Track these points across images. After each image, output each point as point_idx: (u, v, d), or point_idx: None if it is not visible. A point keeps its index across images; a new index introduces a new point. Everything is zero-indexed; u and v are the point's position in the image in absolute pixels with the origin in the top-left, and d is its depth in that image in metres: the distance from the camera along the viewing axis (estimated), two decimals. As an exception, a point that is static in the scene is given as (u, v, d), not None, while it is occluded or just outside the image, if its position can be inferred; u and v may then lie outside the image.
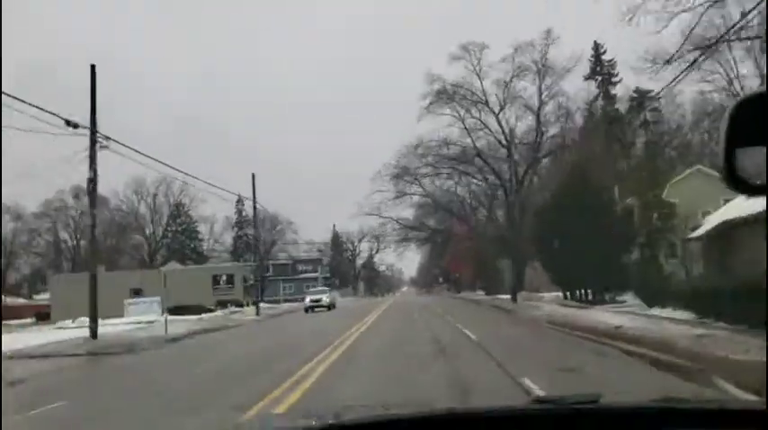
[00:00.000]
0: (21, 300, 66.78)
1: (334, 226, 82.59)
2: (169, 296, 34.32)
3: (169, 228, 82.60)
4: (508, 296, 43.84)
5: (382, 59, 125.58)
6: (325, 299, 41.69)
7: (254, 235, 42.58)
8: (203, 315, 38.01)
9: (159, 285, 49.70)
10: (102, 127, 18.34)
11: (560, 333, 16.11)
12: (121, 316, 39.61)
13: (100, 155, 17.94)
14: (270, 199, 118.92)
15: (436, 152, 39.41)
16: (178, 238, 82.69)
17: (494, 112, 38.40)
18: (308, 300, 42.25)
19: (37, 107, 16.35)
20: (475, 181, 52.19)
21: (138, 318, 35.21)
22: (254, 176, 37.34)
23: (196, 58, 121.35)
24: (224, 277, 52.96)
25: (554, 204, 30.15)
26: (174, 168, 28.05)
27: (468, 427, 1.76)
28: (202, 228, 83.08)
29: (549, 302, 29.92)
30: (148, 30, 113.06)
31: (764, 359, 6.86)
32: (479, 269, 64.44)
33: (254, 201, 37.40)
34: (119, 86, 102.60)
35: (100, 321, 38.85)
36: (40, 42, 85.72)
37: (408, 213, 51.12)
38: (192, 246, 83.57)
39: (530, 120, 39.71)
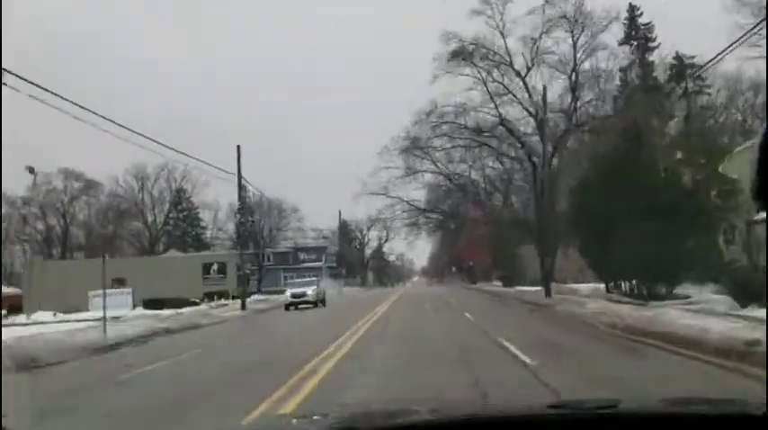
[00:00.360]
0: (19, 290, 62.42)
1: (339, 212, 76.75)
2: (128, 289, 29.55)
3: (170, 215, 78.40)
4: (532, 288, 38.71)
5: (392, 17, 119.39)
6: (311, 292, 33.21)
7: (240, 216, 36.32)
8: (183, 309, 33.03)
9: (148, 274, 45.31)
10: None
11: (645, 346, 10.84)
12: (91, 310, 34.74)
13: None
14: (275, 187, 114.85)
15: (453, 120, 33.74)
16: (180, 226, 78.72)
17: (519, 75, 32.90)
18: (288, 293, 34.22)
19: None
20: (490, 164, 47.08)
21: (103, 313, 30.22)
22: (239, 148, 31.98)
23: (197, 57, 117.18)
24: (215, 266, 47.95)
25: (596, 179, 24.83)
26: (134, 132, 22.90)
27: None
28: (206, 216, 78.54)
29: (590, 297, 24.65)
30: (150, 26, 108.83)
31: None
32: (497, 257, 59.20)
33: (239, 176, 32.00)
34: (121, 82, 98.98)
35: (61, 315, 34.29)
36: (40, 43, 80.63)
37: (418, 194, 45.76)
38: (194, 233, 79.47)
39: (560, 82, 34.19)
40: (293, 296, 33.12)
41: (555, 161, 31.22)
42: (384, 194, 39.60)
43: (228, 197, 74.70)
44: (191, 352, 13.77)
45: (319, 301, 33.53)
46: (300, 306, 32.18)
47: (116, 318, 29.04)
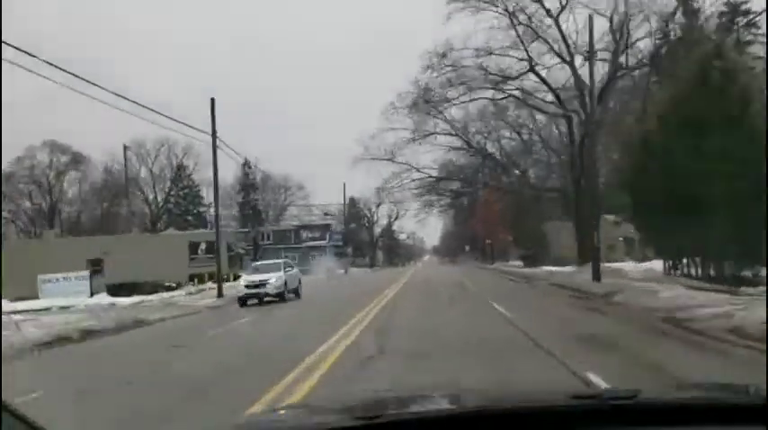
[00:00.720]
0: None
1: (344, 185, 69.09)
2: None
3: (171, 193, 74.09)
4: (561, 268, 33.48)
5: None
6: (275, 281, 23.13)
7: (216, 183, 30.45)
8: (154, 295, 28.06)
9: (131, 254, 40.31)
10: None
11: None
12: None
13: None
14: (282, 165, 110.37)
15: (475, 65, 27.82)
16: (181, 204, 74.50)
17: (550, 14, 27.27)
18: (242, 283, 24.24)
19: None
20: (507, 135, 41.83)
21: (54, 301, 25.31)
22: (212, 101, 26.35)
23: (195, 39, 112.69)
24: (203, 245, 42.69)
25: (662, 129, 19.33)
26: (120, 96, 18.10)
27: (504, 424, 1.65)
28: (210, 194, 74.17)
29: (652, 281, 19.25)
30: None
31: None
32: (518, 234, 53.78)
33: (214, 135, 26.44)
34: (133, 59, 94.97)
35: (5, 303, 29.41)
36: (37, 44, 75.45)
37: (430, 159, 40.47)
38: (196, 211, 75.23)
39: (600, 24, 28.56)
40: (249, 286, 23.31)
41: (601, 111, 25.66)
42: (390, 160, 34.01)
43: (234, 174, 69.99)
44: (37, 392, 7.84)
45: (288, 293, 24.08)
46: (265, 298, 23.03)
47: (65, 308, 24.19)
